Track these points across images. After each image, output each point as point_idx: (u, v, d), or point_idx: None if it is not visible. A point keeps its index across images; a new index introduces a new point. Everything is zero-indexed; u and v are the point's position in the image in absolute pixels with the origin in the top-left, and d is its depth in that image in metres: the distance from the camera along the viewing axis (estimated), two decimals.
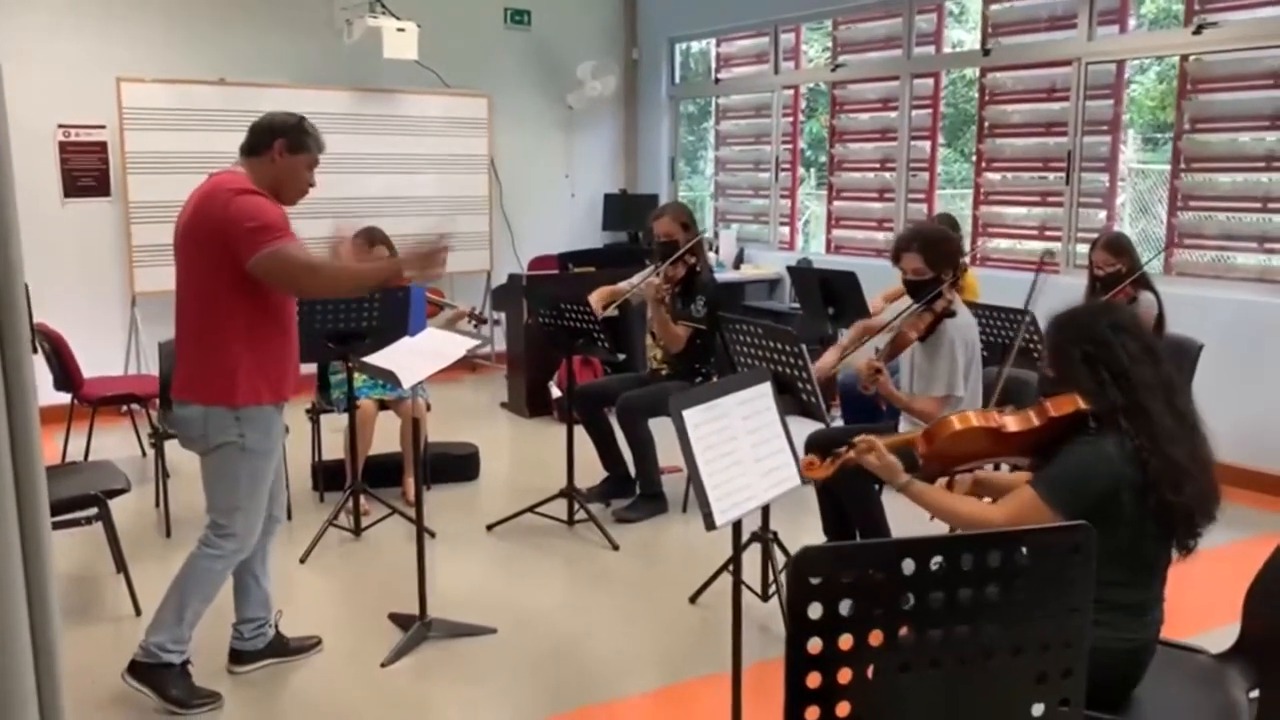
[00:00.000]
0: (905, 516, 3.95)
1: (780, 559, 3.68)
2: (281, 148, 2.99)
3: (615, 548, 4.32)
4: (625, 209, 8.57)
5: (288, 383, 3.07)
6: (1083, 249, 5.39)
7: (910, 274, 3.71)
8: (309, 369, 4.91)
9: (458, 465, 5.28)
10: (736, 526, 2.49)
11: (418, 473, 3.81)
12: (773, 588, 3.69)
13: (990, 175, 6.53)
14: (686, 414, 2.26)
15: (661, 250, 4.72)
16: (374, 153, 7.23)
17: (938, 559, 1.39)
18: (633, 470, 4.82)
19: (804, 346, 3.54)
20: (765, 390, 2.52)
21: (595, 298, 4.59)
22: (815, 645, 1.35)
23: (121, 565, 3.72)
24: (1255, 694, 2.11)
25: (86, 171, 6.50)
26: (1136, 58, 6.14)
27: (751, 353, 3.76)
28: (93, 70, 6.36)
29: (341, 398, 4.71)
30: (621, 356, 4.63)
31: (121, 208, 6.51)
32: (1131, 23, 5.89)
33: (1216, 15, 5.26)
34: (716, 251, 7.87)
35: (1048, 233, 6.21)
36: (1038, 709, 1.47)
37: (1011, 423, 2.28)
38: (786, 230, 8.01)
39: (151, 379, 5.26)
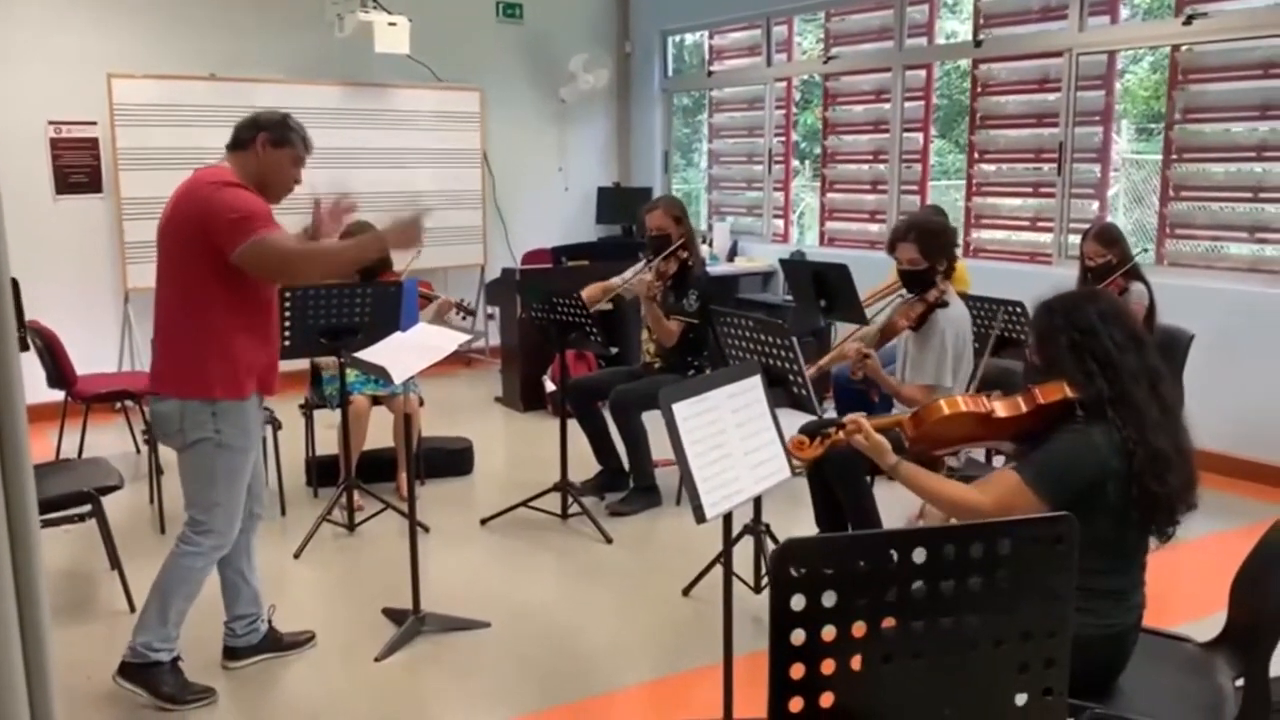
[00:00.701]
0: (897, 508, 3.99)
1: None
2: (265, 141, 2.98)
3: (609, 541, 4.33)
4: (619, 202, 8.56)
5: (270, 376, 3.07)
6: (1075, 239, 5.41)
7: (906, 264, 3.73)
8: (302, 364, 4.93)
9: (452, 460, 5.29)
10: (728, 519, 2.50)
11: (410, 468, 3.82)
12: (765, 579, 3.70)
13: (983, 166, 6.54)
14: (676, 407, 2.27)
15: (653, 244, 4.73)
16: (366, 147, 7.21)
17: (920, 550, 1.40)
18: (626, 464, 4.83)
19: (795, 339, 3.55)
20: (755, 383, 2.53)
21: (587, 294, 4.60)
22: (798, 637, 1.36)
23: (115, 562, 3.73)
24: (1240, 682, 2.12)
25: (78, 168, 6.48)
26: (1127, 48, 6.14)
27: (743, 346, 3.77)
28: (83, 66, 6.34)
29: (334, 394, 4.71)
30: (614, 350, 4.64)
31: (113, 204, 6.50)
32: (1125, 13, 5.90)
33: (1207, 6, 5.26)
34: (710, 245, 7.87)
35: (1040, 224, 6.22)
36: (1021, 699, 1.48)
37: (1000, 408, 2.29)
38: (781, 223, 8.02)
39: (144, 375, 5.24)
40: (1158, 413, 2.14)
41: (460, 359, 7.62)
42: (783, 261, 6.08)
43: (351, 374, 4.57)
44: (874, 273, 5.33)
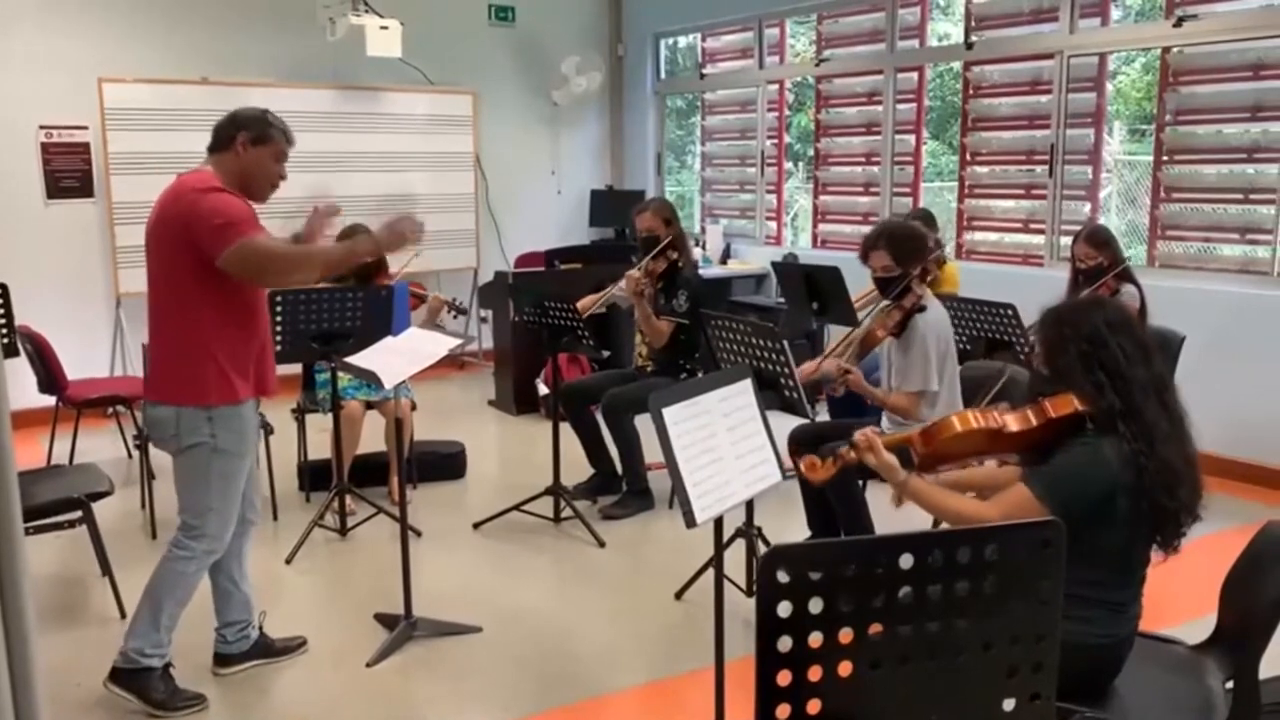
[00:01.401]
0: (890, 513, 3.98)
1: None
2: (245, 140, 2.97)
3: (602, 544, 4.32)
4: (612, 205, 8.56)
5: (264, 379, 3.06)
6: (1067, 241, 5.41)
7: (879, 271, 3.75)
8: (295, 369, 4.91)
9: (444, 463, 5.28)
10: (719, 523, 2.49)
11: (401, 472, 3.81)
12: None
13: (976, 168, 6.55)
14: (666, 412, 2.26)
15: (644, 245, 4.74)
16: (358, 151, 7.20)
17: (907, 556, 1.39)
18: (619, 467, 4.83)
19: (786, 343, 3.55)
20: (746, 387, 2.52)
21: (581, 305, 4.61)
22: (785, 643, 1.36)
23: (106, 568, 3.71)
24: (1230, 684, 2.12)
25: (69, 172, 6.47)
26: (1118, 50, 6.15)
27: (734, 349, 3.77)
28: (74, 70, 6.33)
29: (326, 398, 4.70)
30: (606, 354, 4.64)
31: (105, 208, 6.48)
32: (1116, 15, 5.91)
33: (1197, 7, 5.28)
34: (704, 247, 7.87)
35: (1032, 226, 6.22)
36: (1009, 703, 1.47)
37: (1012, 422, 2.25)
38: (774, 225, 8.02)
39: (136, 380, 5.24)
40: (1167, 425, 2.13)
41: (453, 362, 7.61)
42: (775, 264, 6.08)
43: (344, 379, 4.56)
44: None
